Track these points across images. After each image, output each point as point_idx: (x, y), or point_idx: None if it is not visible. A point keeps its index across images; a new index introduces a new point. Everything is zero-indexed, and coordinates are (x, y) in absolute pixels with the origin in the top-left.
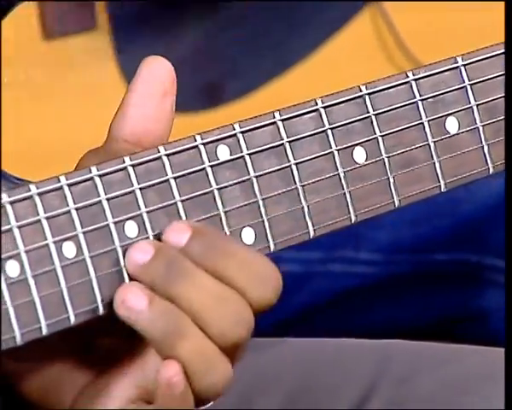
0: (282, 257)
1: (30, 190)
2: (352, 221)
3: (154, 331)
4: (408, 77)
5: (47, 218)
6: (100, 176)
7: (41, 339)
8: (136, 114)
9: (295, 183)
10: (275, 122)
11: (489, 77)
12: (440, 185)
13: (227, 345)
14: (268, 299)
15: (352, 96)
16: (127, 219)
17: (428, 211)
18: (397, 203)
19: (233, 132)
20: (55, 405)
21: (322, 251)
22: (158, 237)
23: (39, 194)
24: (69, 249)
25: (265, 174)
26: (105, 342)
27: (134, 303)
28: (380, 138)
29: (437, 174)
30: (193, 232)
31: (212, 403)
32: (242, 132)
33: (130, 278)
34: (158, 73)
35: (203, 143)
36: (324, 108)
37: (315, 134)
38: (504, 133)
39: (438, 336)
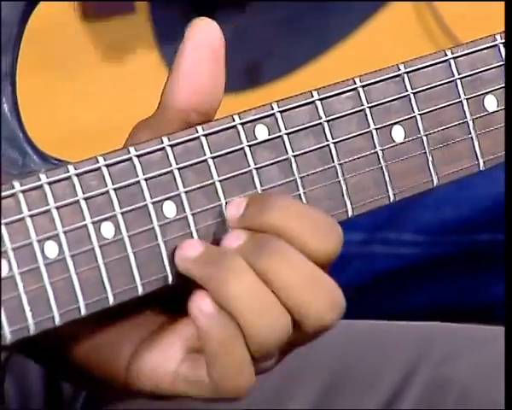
0: None
1: (68, 171)
2: (391, 200)
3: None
4: (446, 55)
5: (85, 198)
6: (138, 156)
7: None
8: (188, 84)
9: (333, 162)
10: (313, 101)
11: None
12: (479, 163)
13: (320, 327)
14: (331, 248)
15: (390, 75)
16: (165, 199)
17: (470, 191)
18: (435, 182)
19: (271, 112)
20: (110, 363)
21: (363, 232)
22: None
23: (78, 175)
24: (108, 230)
25: (303, 154)
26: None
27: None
28: (418, 117)
29: (475, 152)
30: (249, 199)
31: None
32: (280, 112)
33: (169, 257)
34: (206, 37)
35: (241, 123)
36: (362, 86)
37: (353, 113)
38: (505, 133)
39: (480, 318)
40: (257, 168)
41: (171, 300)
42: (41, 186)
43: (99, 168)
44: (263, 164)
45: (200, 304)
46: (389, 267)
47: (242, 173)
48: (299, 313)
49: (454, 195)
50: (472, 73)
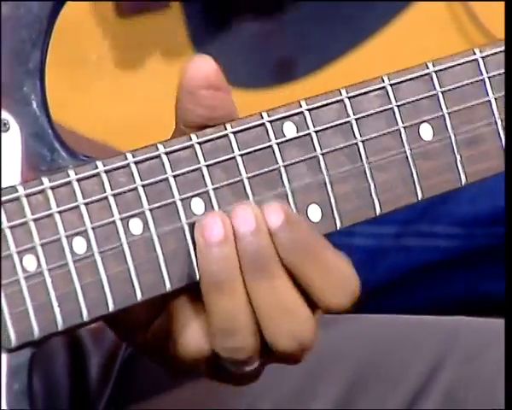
0: (356, 232)
1: (97, 168)
2: (419, 198)
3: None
4: (475, 54)
5: (114, 195)
6: (167, 153)
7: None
8: (192, 109)
9: (361, 160)
10: (341, 100)
11: None
12: None
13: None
14: (343, 306)
15: (418, 74)
16: (194, 196)
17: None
18: (463, 181)
19: (300, 110)
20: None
21: (396, 225)
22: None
23: (106, 171)
24: (136, 226)
25: (332, 151)
26: None
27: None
28: (446, 115)
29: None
30: (286, 218)
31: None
32: (309, 110)
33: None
34: (202, 69)
35: (270, 121)
36: (391, 85)
37: (381, 111)
38: (505, 132)
39: None
40: (285, 166)
41: None
42: (70, 182)
43: (128, 165)
44: (291, 162)
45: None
46: (425, 260)
47: (270, 171)
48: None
49: (489, 187)
50: (500, 72)
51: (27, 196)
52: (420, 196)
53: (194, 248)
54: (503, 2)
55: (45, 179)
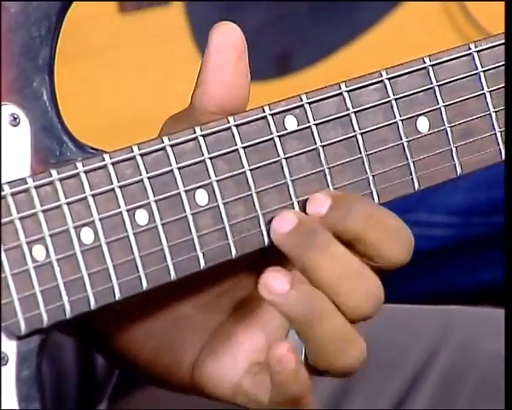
0: None
1: (104, 160)
2: (416, 189)
3: (295, 314)
4: (470, 49)
5: (120, 186)
6: (171, 146)
7: (115, 303)
8: (215, 85)
9: (360, 152)
10: (341, 93)
11: None
12: (501, 154)
13: (359, 319)
14: (403, 257)
15: (415, 68)
16: (198, 187)
17: (501, 173)
18: (459, 171)
19: (300, 103)
20: (174, 368)
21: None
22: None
23: (113, 163)
24: (142, 217)
25: (331, 144)
26: (225, 302)
27: (277, 288)
28: (443, 108)
29: (498, 143)
30: (333, 200)
31: None
32: (309, 103)
33: (200, 243)
34: (229, 39)
35: (271, 114)
36: (389, 79)
37: (380, 104)
38: (504, 133)
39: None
40: (286, 158)
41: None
42: (77, 174)
43: (134, 157)
44: (292, 154)
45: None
46: (422, 248)
47: (272, 163)
48: (339, 302)
49: (485, 177)
50: (495, 65)
51: (36, 187)
52: (417, 187)
53: (198, 238)
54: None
55: (54, 171)
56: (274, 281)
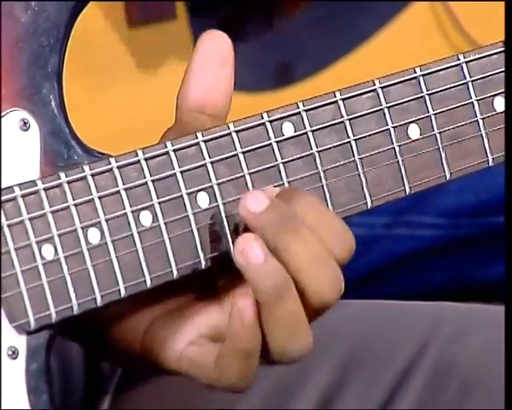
0: (351, 221)
1: (110, 164)
2: (407, 193)
3: (261, 286)
4: (459, 59)
5: (125, 189)
6: (174, 150)
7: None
8: (197, 84)
9: (354, 157)
10: (336, 101)
11: None
12: (488, 160)
13: (321, 306)
14: (346, 258)
15: (407, 78)
16: (199, 190)
17: (488, 178)
18: (448, 176)
19: (297, 111)
20: (128, 334)
21: (387, 216)
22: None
23: (119, 167)
24: (146, 218)
25: (327, 149)
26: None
27: (252, 256)
28: (432, 116)
29: (485, 149)
30: (299, 196)
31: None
32: (306, 111)
33: (201, 243)
34: (215, 45)
35: (269, 121)
36: (381, 88)
37: (373, 112)
38: (504, 133)
39: (495, 296)
40: (283, 162)
41: (198, 282)
42: (85, 177)
43: (138, 161)
44: (289, 158)
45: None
46: (412, 248)
47: (270, 167)
48: (305, 285)
49: (473, 181)
50: (482, 76)
51: (46, 189)
52: (408, 191)
53: (200, 238)
54: (485, 10)
55: (62, 174)
56: (251, 249)
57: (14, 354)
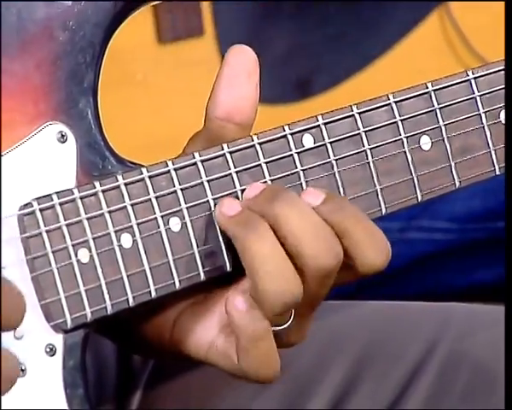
0: None
1: (142, 173)
2: (419, 200)
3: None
4: (468, 75)
5: (156, 197)
6: (202, 161)
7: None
8: (225, 94)
9: (370, 167)
10: (353, 115)
11: None
12: (495, 169)
13: (318, 270)
14: (379, 262)
15: (419, 92)
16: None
17: (496, 184)
18: (457, 185)
19: (316, 124)
20: (159, 327)
21: (401, 221)
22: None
23: (150, 176)
24: (175, 224)
25: (344, 159)
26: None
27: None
28: (443, 128)
29: (492, 159)
30: (326, 195)
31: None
32: (325, 123)
33: (226, 247)
34: (242, 58)
35: (291, 133)
36: (395, 102)
37: (387, 125)
38: (505, 132)
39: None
40: (303, 170)
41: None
42: (118, 186)
43: (168, 171)
44: (309, 167)
45: (233, 302)
46: (424, 251)
47: (291, 174)
48: (302, 257)
49: (482, 188)
50: (490, 90)
51: (82, 198)
52: (420, 198)
53: (225, 243)
54: (492, 28)
55: (97, 183)
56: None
57: (51, 352)
